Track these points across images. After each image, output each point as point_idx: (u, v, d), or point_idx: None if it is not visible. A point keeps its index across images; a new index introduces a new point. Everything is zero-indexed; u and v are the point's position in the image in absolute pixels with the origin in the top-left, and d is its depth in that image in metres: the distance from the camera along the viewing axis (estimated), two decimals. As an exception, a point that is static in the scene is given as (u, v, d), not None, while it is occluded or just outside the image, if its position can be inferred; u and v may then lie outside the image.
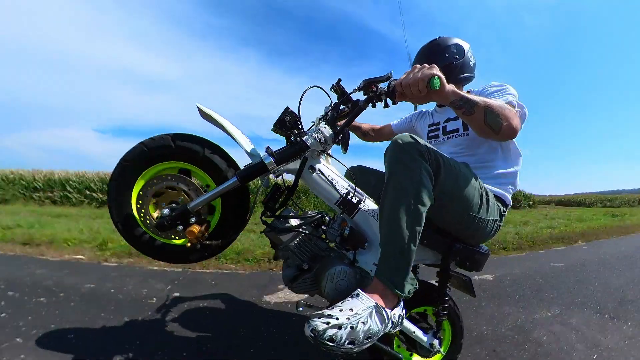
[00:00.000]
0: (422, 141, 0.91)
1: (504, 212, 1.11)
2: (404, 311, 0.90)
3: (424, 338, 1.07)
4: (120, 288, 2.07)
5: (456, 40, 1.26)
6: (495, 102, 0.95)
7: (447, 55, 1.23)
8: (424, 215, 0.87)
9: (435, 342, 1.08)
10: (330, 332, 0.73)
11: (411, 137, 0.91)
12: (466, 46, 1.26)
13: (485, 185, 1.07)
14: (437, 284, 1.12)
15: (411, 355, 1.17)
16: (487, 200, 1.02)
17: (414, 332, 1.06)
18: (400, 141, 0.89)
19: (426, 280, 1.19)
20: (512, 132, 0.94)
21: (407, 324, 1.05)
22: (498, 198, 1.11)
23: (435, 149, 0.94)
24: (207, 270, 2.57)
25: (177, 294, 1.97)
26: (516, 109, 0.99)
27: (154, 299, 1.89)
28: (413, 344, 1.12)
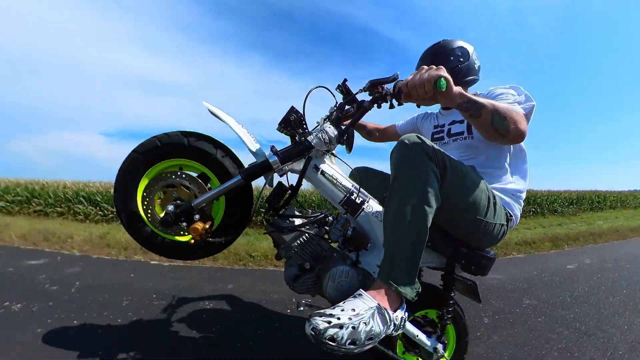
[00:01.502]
0: (428, 142, 0.91)
1: (511, 217, 1.09)
2: (406, 314, 0.89)
3: (428, 342, 1.06)
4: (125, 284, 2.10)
5: (460, 43, 1.24)
6: (502, 104, 0.93)
7: (451, 58, 1.21)
8: (431, 217, 0.86)
9: (439, 346, 1.06)
10: (331, 331, 0.72)
11: (418, 137, 0.90)
12: (470, 49, 1.25)
13: (493, 190, 1.05)
14: (441, 287, 1.10)
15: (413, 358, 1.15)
16: (494, 203, 1.01)
17: (417, 335, 1.04)
18: (407, 141, 0.88)
19: (430, 283, 1.16)
20: (519, 136, 0.92)
21: (410, 327, 1.04)
22: (505, 206, 1.09)
23: (441, 149, 0.93)
24: (204, 265, 2.62)
25: (179, 293, 1.99)
26: (522, 107, 0.97)
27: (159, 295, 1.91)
28: (418, 348, 1.09)
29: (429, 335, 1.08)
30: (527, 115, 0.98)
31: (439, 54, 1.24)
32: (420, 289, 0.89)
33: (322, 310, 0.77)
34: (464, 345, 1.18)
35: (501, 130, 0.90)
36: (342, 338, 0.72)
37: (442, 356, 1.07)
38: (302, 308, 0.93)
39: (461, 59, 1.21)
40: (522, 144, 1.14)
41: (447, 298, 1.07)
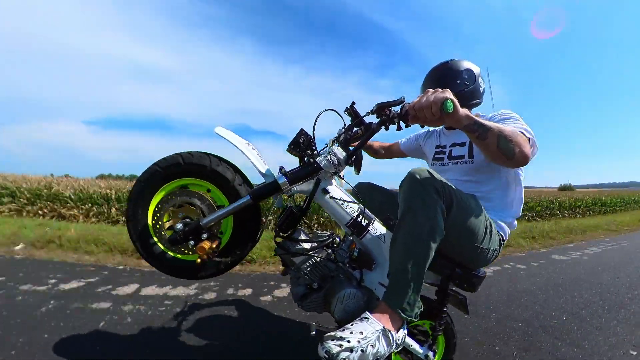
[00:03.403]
0: (437, 176, 0.94)
1: (503, 241, 1.15)
2: (406, 331, 0.94)
3: (420, 350, 1.10)
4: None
5: (467, 65, 1.26)
6: (507, 128, 0.95)
7: (458, 82, 1.23)
8: (434, 249, 0.91)
9: (430, 354, 1.11)
10: (343, 354, 0.77)
11: (428, 172, 0.94)
12: (477, 71, 1.27)
13: (489, 217, 1.09)
14: (434, 300, 1.17)
15: None
16: (491, 231, 1.06)
17: (411, 345, 1.09)
18: (418, 176, 0.92)
19: (425, 296, 1.19)
20: (524, 159, 0.94)
21: (407, 339, 1.07)
22: (499, 230, 1.14)
23: (448, 183, 0.97)
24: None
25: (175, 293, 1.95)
26: (527, 137, 0.99)
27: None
28: (410, 354, 1.14)
29: (421, 344, 1.12)
30: (531, 140, 1.00)
31: (446, 75, 1.26)
32: (422, 309, 0.94)
33: (332, 333, 0.81)
34: (452, 346, 1.25)
35: (507, 153, 0.92)
36: None
37: None
38: (314, 332, 0.96)
39: (467, 82, 1.24)
40: (519, 169, 1.18)
41: (441, 312, 1.14)
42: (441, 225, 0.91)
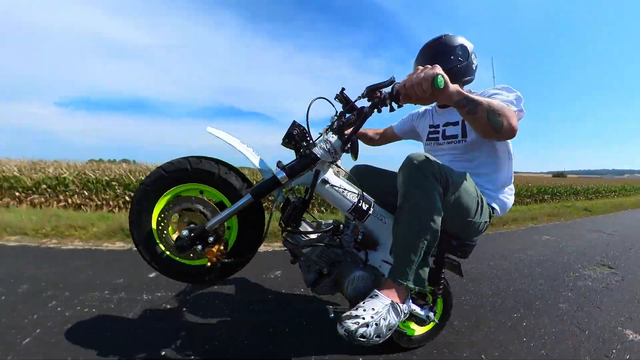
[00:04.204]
0: (434, 160, 0.98)
1: (494, 213, 1.23)
2: (411, 301, 1.03)
3: (422, 312, 1.19)
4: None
5: (461, 41, 1.24)
6: (496, 102, 0.97)
7: (451, 57, 1.22)
8: (436, 229, 0.97)
9: (431, 314, 1.21)
10: (360, 330, 0.85)
11: (426, 157, 0.96)
12: (470, 47, 1.25)
13: (480, 192, 1.15)
14: (433, 267, 1.26)
15: (409, 324, 1.35)
16: (482, 206, 1.13)
17: (415, 310, 1.18)
18: (416, 162, 0.95)
19: None
20: (511, 132, 0.97)
21: (411, 306, 1.16)
22: (489, 204, 1.21)
23: (444, 165, 1.00)
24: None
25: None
26: (514, 109, 1.02)
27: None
28: (411, 316, 1.24)
29: (422, 307, 1.22)
30: (518, 113, 1.04)
31: (440, 51, 1.24)
32: (425, 281, 1.02)
33: (348, 313, 0.89)
34: (449, 306, 1.41)
35: (495, 127, 0.94)
36: (370, 334, 0.87)
37: (433, 320, 1.24)
38: (332, 315, 1.01)
39: (460, 59, 1.22)
40: (509, 144, 1.22)
41: (439, 277, 1.25)
42: (439, 206, 0.96)
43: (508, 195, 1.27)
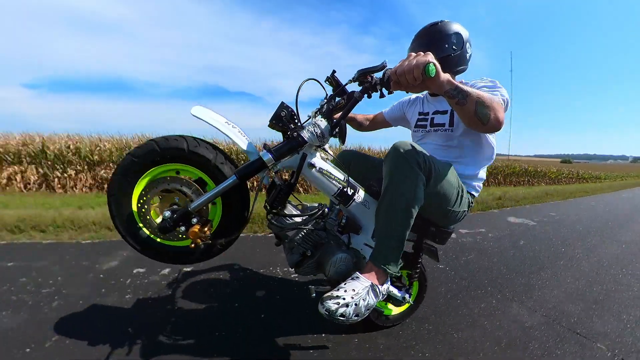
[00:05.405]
0: (419, 149, 0.99)
1: (472, 202, 1.27)
2: (389, 283, 1.08)
3: (399, 294, 1.24)
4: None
5: (457, 28, 1.22)
6: (485, 94, 0.98)
7: (446, 45, 1.20)
8: (415, 215, 1.01)
9: (407, 296, 1.27)
10: (340, 310, 0.90)
11: (411, 146, 0.98)
12: (465, 35, 1.23)
13: (461, 182, 1.18)
14: (411, 253, 1.33)
15: (386, 304, 1.42)
16: (462, 196, 1.17)
17: (392, 291, 1.22)
18: (402, 150, 0.97)
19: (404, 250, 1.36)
20: (497, 125, 1.00)
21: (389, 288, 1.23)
22: (469, 192, 1.26)
23: (429, 154, 1.03)
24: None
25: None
26: (502, 103, 1.04)
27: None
28: (388, 297, 1.30)
29: (399, 289, 1.27)
30: (505, 107, 1.06)
31: (434, 37, 1.22)
32: (402, 265, 1.09)
33: (329, 294, 0.93)
34: (424, 289, 1.48)
35: (483, 119, 0.96)
36: (349, 314, 0.92)
37: (408, 302, 1.31)
38: (314, 295, 1.04)
39: (455, 47, 1.21)
40: (492, 137, 1.25)
41: (416, 262, 1.32)
42: (421, 195, 0.99)
43: (481, 182, 1.33)
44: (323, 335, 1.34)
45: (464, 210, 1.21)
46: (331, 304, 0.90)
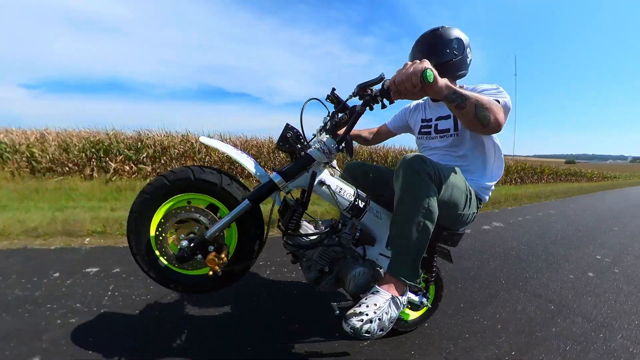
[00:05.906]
0: (428, 160, 1.00)
1: (480, 205, 1.29)
2: (409, 292, 1.07)
3: (416, 298, 1.25)
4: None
5: (457, 34, 1.24)
6: (484, 97, 1.00)
7: (447, 50, 1.22)
8: (432, 227, 1.01)
9: (424, 300, 1.28)
10: (365, 327, 0.90)
11: (421, 158, 1.00)
12: (466, 41, 1.25)
13: (469, 185, 1.20)
14: (425, 257, 1.30)
15: (404, 309, 1.38)
16: (471, 199, 1.18)
17: (410, 297, 1.23)
18: (412, 164, 0.98)
19: None
20: (497, 127, 1.02)
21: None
22: (477, 195, 1.27)
23: (436, 163, 1.04)
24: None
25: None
26: (502, 105, 1.06)
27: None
28: (408, 303, 1.31)
29: (416, 293, 1.28)
30: (505, 109, 1.07)
31: (436, 43, 1.23)
32: (421, 275, 1.07)
33: (352, 311, 0.92)
34: (440, 296, 1.50)
35: (482, 121, 0.98)
36: (374, 329, 0.92)
37: (426, 305, 1.31)
38: (337, 312, 1.04)
39: (456, 52, 1.22)
40: (496, 139, 1.26)
41: (431, 265, 1.33)
42: (435, 208, 1.00)
43: (492, 185, 1.33)
44: (335, 341, 1.34)
45: (473, 212, 1.22)
46: (355, 322, 0.90)
